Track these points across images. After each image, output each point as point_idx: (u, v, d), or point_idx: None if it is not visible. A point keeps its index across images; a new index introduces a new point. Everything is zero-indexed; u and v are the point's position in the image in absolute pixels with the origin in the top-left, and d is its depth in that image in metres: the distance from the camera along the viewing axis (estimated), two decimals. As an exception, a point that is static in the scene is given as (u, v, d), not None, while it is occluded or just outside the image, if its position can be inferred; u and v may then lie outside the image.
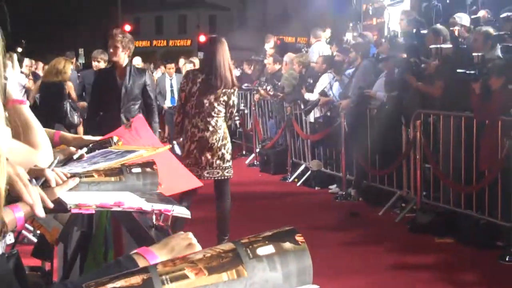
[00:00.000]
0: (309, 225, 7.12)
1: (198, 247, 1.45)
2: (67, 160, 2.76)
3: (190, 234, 1.51)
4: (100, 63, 9.94)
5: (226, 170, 6.12)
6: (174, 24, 47.38)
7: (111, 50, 6.81)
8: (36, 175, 2.04)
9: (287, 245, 1.21)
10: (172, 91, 14.06)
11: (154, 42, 49.82)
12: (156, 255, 1.39)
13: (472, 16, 8.01)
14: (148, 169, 2.43)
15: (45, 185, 2.04)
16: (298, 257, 1.20)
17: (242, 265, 1.17)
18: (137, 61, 12.27)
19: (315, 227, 7.22)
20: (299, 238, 1.23)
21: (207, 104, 6.00)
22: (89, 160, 2.75)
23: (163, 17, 50.69)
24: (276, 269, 1.18)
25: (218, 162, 6.07)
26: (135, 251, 1.41)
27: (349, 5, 13.97)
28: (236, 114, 6.48)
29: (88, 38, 33.98)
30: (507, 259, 5.93)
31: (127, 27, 42.04)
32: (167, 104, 14.10)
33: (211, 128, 6.03)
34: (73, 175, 2.23)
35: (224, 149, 6.10)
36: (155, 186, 2.44)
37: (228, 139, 6.23)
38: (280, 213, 8.22)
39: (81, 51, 13.08)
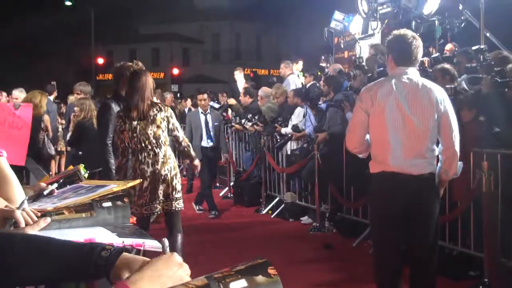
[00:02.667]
0: (283, 257, 7.11)
1: (186, 270, 1.43)
2: (38, 196, 2.73)
3: (177, 257, 1.48)
4: (80, 95, 9.85)
5: (177, 202, 5.86)
6: (148, 57, 47.39)
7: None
8: (6, 216, 2.02)
9: (260, 278, 1.20)
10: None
11: (127, 74, 49.72)
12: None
13: (433, 56, 8.17)
14: (118, 203, 2.42)
15: (16, 226, 2.02)
16: (271, 290, 1.20)
17: (215, 301, 1.16)
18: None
19: (290, 259, 7.20)
20: (271, 271, 1.22)
21: (152, 135, 5.73)
22: (59, 195, 2.72)
23: (136, 50, 50.75)
24: (249, 303, 1.17)
25: (174, 194, 5.82)
26: None
27: (321, 39, 14.11)
28: (184, 138, 6.09)
29: (61, 70, 33.88)
30: (480, 289, 5.96)
31: (100, 60, 42.19)
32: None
33: (161, 159, 5.77)
34: (44, 214, 2.21)
35: (176, 179, 5.86)
36: (126, 219, 2.42)
37: (177, 169, 5.98)
38: (254, 245, 8.18)
39: (53, 83, 12.99)
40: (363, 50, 12.12)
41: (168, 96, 16.62)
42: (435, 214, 4.52)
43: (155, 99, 6.03)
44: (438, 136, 4.51)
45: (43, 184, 2.82)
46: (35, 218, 2.15)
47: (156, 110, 5.76)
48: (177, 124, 5.94)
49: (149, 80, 5.81)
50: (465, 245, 6.63)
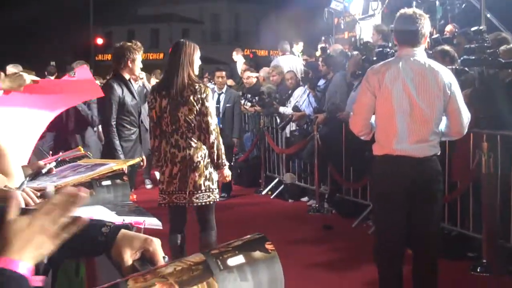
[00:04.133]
0: (283, 237, 7.12)
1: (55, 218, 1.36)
2: (36, 174, 2.73)
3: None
4: None
5: (214, 193, 5.33)
6: (146, 38, 47.16)
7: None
8: (5, 196, 2.02)
9: (257, 254, 1.20)
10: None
11: (127, 55, 49.59)
12: (14, 261, 1.28)
13: (433, 37, 8.12)
14: (118, 181, 2.42)
15: None
16: (269, 265, 1.20)
17: (212, 277, 1.16)
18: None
19: (289, 239, 7.22)
20: (269, 246, 1.22)
21: (182, 118, 5.23)
22: (58, 174, 2.73)
23: (135, 31, 50.52)
24: (247, 279, 1.17)
25: (207, 183, 5.27)
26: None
27: (321, 20, 14.04)
28: (215, 128, 5.31)
29: (60, 51, 33.75)
30: (478, 270, 5.98)
31: (99, 41, 42.02)
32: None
33: (193, 145, 5.25)
34: (44, 194, 2.21)
35: (211, 167, 5.31)
36: (126, 197, 2.42)
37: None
38: (254, 225, 8.20)
39: (53, 63, 12.97)
40: (364, 30, 12.08)
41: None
42: (438, 196, 4.51)
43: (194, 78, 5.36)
44: (446, 118, 4.48)
45: (41, 163, 2.82)
46: (35, 199, 2.15)
47: (191, 90, 5.19)
48: (211, 109, 5.27)
49: (188, 54, 5.31)
50: (464, 226, 6.65)
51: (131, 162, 2.74)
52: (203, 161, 5.26)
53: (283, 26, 19.00)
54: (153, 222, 2.18)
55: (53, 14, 40.43)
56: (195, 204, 5.30)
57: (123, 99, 6.12)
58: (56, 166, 2.83)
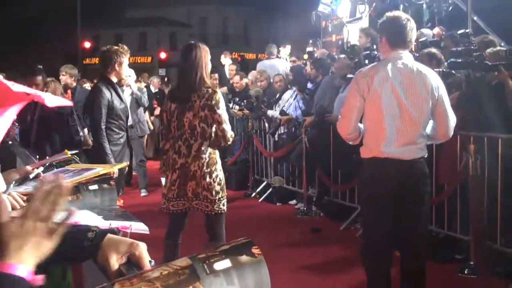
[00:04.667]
0: (271, 240, 7.12)
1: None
2: (23, 179, 2.72)
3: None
4: (65, 77, 9.82)
5: (216, 204, 5.11)
6: (135, 41, 47.11)
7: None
8: None
9: (244, 258, 1.20)
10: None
11: (114, 59, 49.47)
12: (16, 265, 1.28)
13: (421, 39, 8.16)
14: (105, 185, 2.41)
15: None
16: (255, 269, 1.20)
17: (199, 281, 1.16)
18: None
19: (277, 242, 7.23)
20: (255, 250, 1.22)
21: (187, 124, 5.08)
22: (45, 178, 2.71)
23: (123, 34, 50.43)
24: (234, 283, 1.17)
25: (204, 193, 5.07)
26: None
27: (309, 23, 14.07)
28: (232, 134, 5.13)
29: (47, 55, 33.59)
30: (466, 272, 6.00)
31: (87, 44, 41.86)
32: None
33: (193, 153, 5.08)
34: (30, 197, 2.20)
35: (210, 177, 5.08)
36: (113, 201, 2.42)
37: (218, 166, 5.17)
38: (242, 228, 8.17)
39: (40, 67, 12.89)
40: (351, 33, 12.11)
41: (155, 80, 16.57)
42: (425, 198, 4.53)
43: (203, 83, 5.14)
44: (433, 121, 4.50)
45: (28, 168, 2.81)
46: (22, 202, 2.14)
47: (198, 95, 5.03)
48: (224, 116, 5.05)
49: (200, 57, 5.13)
50: (451, 228, 6.67)
51: (119, 166, 2.73)
52: (200, 171, 5.08)
53: (271, 29, 19.04)
54: (139, 227, 2.18)
55: (40, 17, 40.31)
56: (195, 210, 5.18)
57: (112, 103, 6.10)
58: (43, 171, 2.83)
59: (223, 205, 5.19)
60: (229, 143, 5.13)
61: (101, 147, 6.01)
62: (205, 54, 5.18)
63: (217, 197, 5.12)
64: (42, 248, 1.34)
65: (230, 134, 5.07)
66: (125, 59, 6.25)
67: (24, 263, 1.30)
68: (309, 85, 9.79)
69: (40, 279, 1.33)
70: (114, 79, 6.25)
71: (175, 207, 5.21)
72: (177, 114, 5.15)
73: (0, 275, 1.27)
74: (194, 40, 5.49)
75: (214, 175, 5.11)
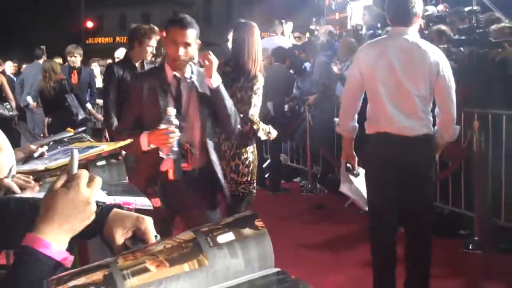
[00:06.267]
0: (275, 217, 7.15)
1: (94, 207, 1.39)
2: (28, 158, 2.73)
3: (84, 191, 1.38)
4: (77, 58, 9.87)
5: (242, 186, 5.04)
6: (138, 21, 46.85)
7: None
8: None
9: (247, 231, 1.21)
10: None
11: (117, 39, 49.33)
12: (46, 241, 1.29)
13: (426, 13, 8.10)
14: (113, 160, 2.42)
15: (9, 193, 2.03)
16: (259, 242, 1.21)
17: (202, 254, 1.17)
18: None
19: (281, 219, 7.26)
20: (258, 223, 1.23)
21: None
22: (50, 157, 2.73)
23: (127, 14, 50.24)
24: (237, 256, 1.18)
25: (231, 175, 4.99)
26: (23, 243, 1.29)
27: (312, 0, 14.02)
28: (252, 119, 5.00)
29: (50, 34, 33.53)
30: (470, 247, 6.03)
31: (90, 24, 41.79)
32: None
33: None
34: (37, 177, 2.21)
35: (239, 159, 5.00)
36: (122, 176, 2.43)
37: (250, 148, 5.07)
38: (246, 206, 8.21)
39: (42, 47, 12.87)
40: (354, 11, 12.06)
41: (159, 59, 16.50)
42: (430, 175, 4.50)
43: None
44: (435, 99, 4.45)
45: (33, 147, 2.82)
46: (30, 181, 2.15)
47: (240, 76, 4.95)
48: (254, 100, 4.95)
49: (243, 36, 5.03)
50: (456, 204, 6.69)
51: (122, 143, 2.74)
52: (230, 151, 5.00)
53: (275, 8, 18.93)
54: (144, 202, 2.19)
55: (43, -3, 40.20)
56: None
57: (123, 81, 5.98)
58: (48, 150, 2.83)
59: (253, 188, 5.11)
60: (246, 127, 4.95)
61: (108, 126, 6.08)
62: (256, 32, 5.07)
63: (244, 179, 5.02)
64: (78, 227, 1.36)
65: (249, 117, 4.95)
66: (148, 40, 6.14)
67: (57, 242, 1.30)
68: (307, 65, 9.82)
69: (70, 260, 1.33)
70: (136, 58, 6.21)
71: None
72: None
73: (28, 250, 1.28)
74: (245, 19, 5.31)
75: (243, 157, 5.02)
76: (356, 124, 4.63)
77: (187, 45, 3.86)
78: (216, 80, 3.98)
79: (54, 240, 1.30)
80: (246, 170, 5.03)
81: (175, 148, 3.81)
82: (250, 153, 5.08)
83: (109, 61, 12.12)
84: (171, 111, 3.72)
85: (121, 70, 6.07)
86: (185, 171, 4.00)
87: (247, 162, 5.04)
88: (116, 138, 3.86)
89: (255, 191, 5.15)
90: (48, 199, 1.35)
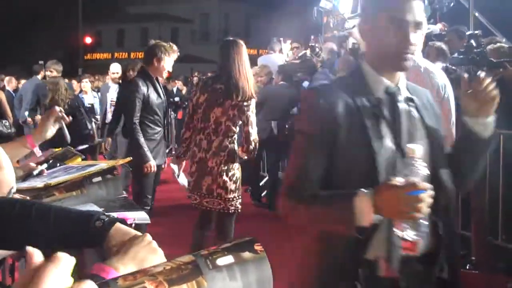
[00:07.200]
0: (273, 236, 7.13)
1: (159, 251, 1.44)
2: (27, 176, 2.74)
3: (149, 237, 1.49)
4: (52, 73, 9.83)
5: (230, 203, 5.07)
6: (136, 37, 47.21)
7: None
8: None
9: (247, 254, 1.22)
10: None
11: (116, 54, 49.60)
12: (115, 272, 1.35)
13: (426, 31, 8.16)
14: (109, 176, 2.42)
15: None
16: (258, 265, 1.21)
17: (202, 276, 1.18)
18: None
19: (279, 237, 7.22)
20: (258, 247, 1.24)
21: (213, 119, 5.03)
22: (49, 175, 2.73)
23: (125, 30, 50.48)
24: (236, 279, 1.19)
25: (218, 191, 5.03)
26: (92, 271, 1.35)
27: (310, 19, 14.07)
28: (255, 138, 5.14)
29: (48, 50, 33.64)
30: (467, 267, 6.01)
31: (88, 40, 41.94)
32: None
33: (213, 149, 5.04)
34: (35, 195, 2.21)
35: (227, 176, 5.03)
36: (118, 191, 2.43)
37: (236, 165, 5.13)
38: (242, 223, 8.19)
39: (41, 62, 12.92)
40: (353, 30, 12.10)
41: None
42: None
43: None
44: None
45: (32, 164, 2.82)
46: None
47: (232, 94, 4.99)
48: (252, 119, 5.07)
49: (232, 54, 5.08)
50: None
51: (122, 161, 2.74)
52: (218, 167, 5.03)
53: (272, 25, 19.03)
54: (141, 217, 2.19)
55: (42, 12, 40.34)
56: (205, 208, 5.13)
57: (148, 97, 5.91)
58: (47, 168, 2.84)
59: (239, 204, 5.17)
60: (251, 146, 5.11)
61: (135, 142, 5.85)
62: (244, 51, 5.13)
63: (232, 196, 5.08)
64: (143, 263, 1.41)
65: (253, 137, 5.10)
66: (167, 58, 6.04)
67: (118, 270, 1.36)
68: (305, 84, 9.84)
69: None
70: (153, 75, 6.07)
71: (191, 199, 5.20)
72: (204, 107, 5.09)
73: (96, 278, 1.31)
74: (232, 37, 5.36)
75: (230, 174, 5.08)
76: None
77: (418, 26, 2.26)
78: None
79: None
80: (234, 186, 5.09)
81: (425, 222, 2.05)
82: (237, 169, 5.14)
83: (108, 77, 12.12)
84: (416, 149, 2.05)
85: (145, 86, 5.96)
86: (407, 259, 2.17)
87: (234, 178, 5.10)
88: (293, 214, 2.35)
89: (240, 206, 5.20)
90: None
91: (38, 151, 2.79)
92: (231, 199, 5.08)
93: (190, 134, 5.22)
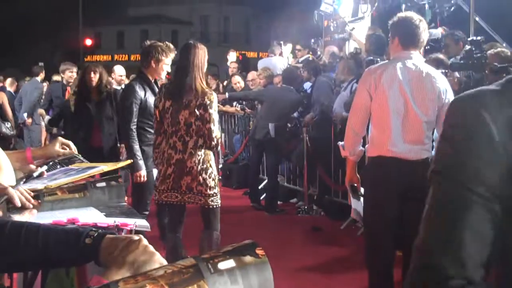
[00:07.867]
0: (272, 239, 7.15)
1: (157, 254, 1.44)
2: (27, 178, 2.74)
3: (144, 240, 1.48)
4: (73, 73, 9.83)
5: (211, 198, 5.21)
6: (136, 39, 47.20)
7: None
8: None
9: (248, 258, 1.22)
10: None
11: (116, 57, 49.60)
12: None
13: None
14: (113, 183, 2.43)
15: (8, 204, 2.03)
16: (259, 269, 1.22)
17: (203, 280, 1.18)
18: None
19: (278, 240, 7.25)
20: (259, 251, 1.24)
21: (182, 121, 5.16)
22: (49, 177, 2.73)
23: (125, 31, 50.48)
24: (238, 282, 1.19)
25: (199, 188, 5.17)
26: (91, 283, 1.34)
27: (310, 22, 14.06)
28: (217, 135, 5.21)
29: (48, 52, 33.65)
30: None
31: (88, 41, 41.90)
32: None
33: (189, 149, 5.16)
34: (37, 195, 2.22)
35: (206, 174, 5.18)
36: (121, 198, 2.44)
37: (212, 162, 5.28)
38: (243, 227, 8.21)
39: (40, 64, 12.93)
40: (354, 33, 12.10)
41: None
42: None
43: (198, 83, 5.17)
44: (436, 125, 4.48)
45: (32, 166, 2.82)
46: (30, 199, 2.16)
47: (194, 95, 5.11)
48: (214, 116, 5.14)
49: (198, 57, 5.19)
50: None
51: (122, 164, 2.75)
52: (197, 166, 5.17)
53: (272, 28, 19.05)
54: (142, 224, 2.20)
55: (42, 14, 40.33)
56: (188, 203, 5.27)
57: (145, 102, 5.86)
58: (47, 170, 2.84)
59: (219, 199, 5.30)
60: (213, 143, 5.19)
61: (129, 149, 5.82)
62: (203, 54, 5.24)
63: (212, 192, 5.22)
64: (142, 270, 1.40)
65: (215, 134, 5.16)
66: (165, 58, 5.92)
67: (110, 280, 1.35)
68: (307, 85, 9.83)
69: None
70: (151, 77, 5.97)
71: (168, 198, 5.28)
72: (171, 111, 5.21)
73: None
74: (193, 40, 5.49)
75: (209, 171, 5.22)
76: (363, 148, 4.65)
77: None
78: None
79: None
80: (213, 183, 5.24)
81: None
82: (213, 167, 5.30)
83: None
84: None
85: (142, 89, 5.87)
86: None
87: (212, 175, 5.25)
88: None
89: (220, 201, 5.33)
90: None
91: (33, 167, 2.80)
92: (211, 195, 5.21)
93: (161, 139, 5.35)
